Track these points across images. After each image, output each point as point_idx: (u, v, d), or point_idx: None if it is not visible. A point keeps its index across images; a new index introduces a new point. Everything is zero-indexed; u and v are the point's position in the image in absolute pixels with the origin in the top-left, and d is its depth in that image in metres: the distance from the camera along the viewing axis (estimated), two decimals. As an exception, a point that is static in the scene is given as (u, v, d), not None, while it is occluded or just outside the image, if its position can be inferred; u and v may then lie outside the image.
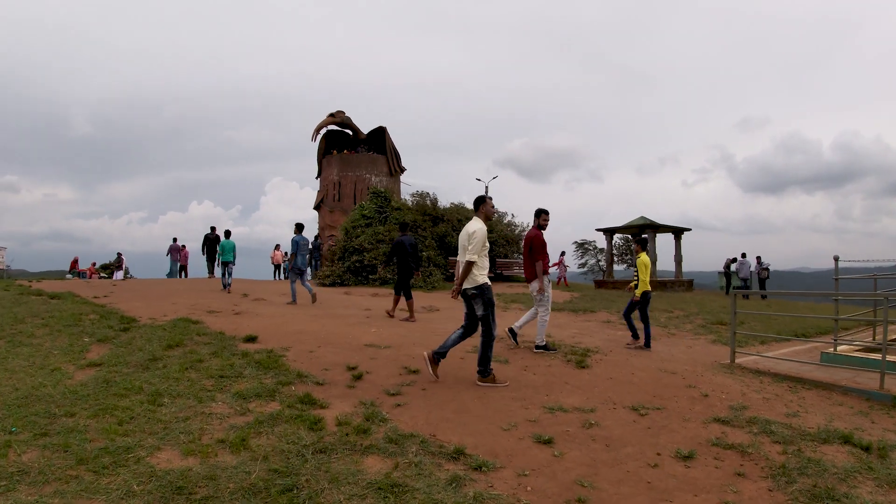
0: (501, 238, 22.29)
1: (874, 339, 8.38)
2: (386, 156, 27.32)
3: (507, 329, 7.45)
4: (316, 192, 28.09)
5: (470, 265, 5.35)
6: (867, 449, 4.01)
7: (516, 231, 23.84)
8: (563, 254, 23.63)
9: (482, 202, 5.77)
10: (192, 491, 2.91)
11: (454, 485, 3.15)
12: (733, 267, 21.15)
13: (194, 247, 19.46)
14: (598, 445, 3.94)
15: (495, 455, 3.66)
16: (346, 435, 3.82)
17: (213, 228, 17.90)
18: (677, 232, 22.97)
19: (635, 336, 8.03)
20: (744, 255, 20.90)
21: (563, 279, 22.97)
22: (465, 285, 5.42)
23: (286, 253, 17.53)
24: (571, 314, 11.89)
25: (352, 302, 12.66)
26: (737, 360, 6.95)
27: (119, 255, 23.74)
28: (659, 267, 22.54)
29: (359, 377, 5.40)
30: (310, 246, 13.89)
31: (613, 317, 11.31)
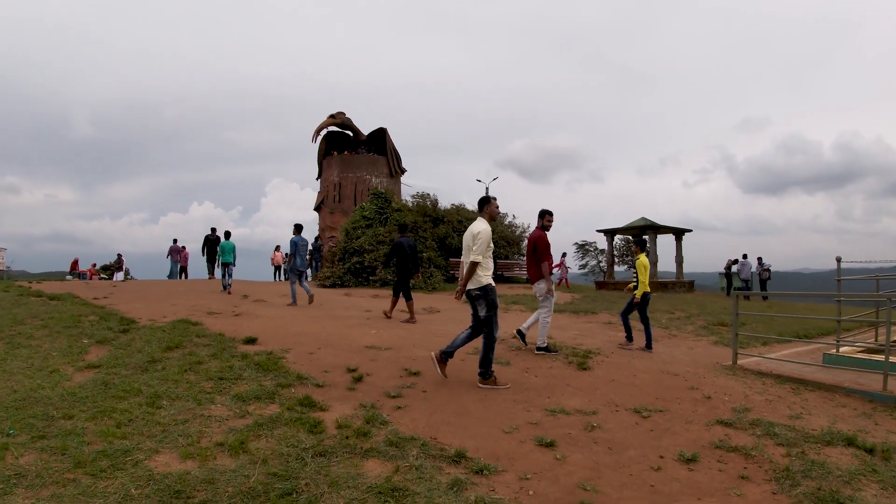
0: (502, 239, 22.25)
1: (876, 340, 8.36)
2: (386, 157, 27.31)
3: (515, 331, 7.45)
4: (316, 193, 28.08)
5: (474, 266, 5.33)
6: (871, 451, 3.99)
7: (517, 232, 23.80)
8: (564, 255, 23.61)
9: (487, 203, 5.75)
10: (190, 495, 2.89)
11: (455, 489, 3.11)
12: (734, 268, 21.10)
13: (194, 248, 19.45)
14: (601, 448, 3.91)
15: (497, 458, 3.63)
16: (346, 438, 3.79)
17: (213, 230, 17.87)
18: (678, 233, 22.92)
19: (629, 338, 8.04)
20: (745, 256, 20.86)
21: (564, 280, 22.92)
22: (469, 286, 5.40)
23: (286, 254, 17.54)
24: (573, 315, 11.85)
25: (352, 303, 12.62)
26: (739, 362, 6.92)
27: (119, 256, 23.71)
28: (660, 268, 22.49)
29: (359, 379, 5.37)
30: (309, 247, 13.84)
31: (615, 318, 11.26)
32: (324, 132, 27.65)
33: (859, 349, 7.50)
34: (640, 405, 4.92)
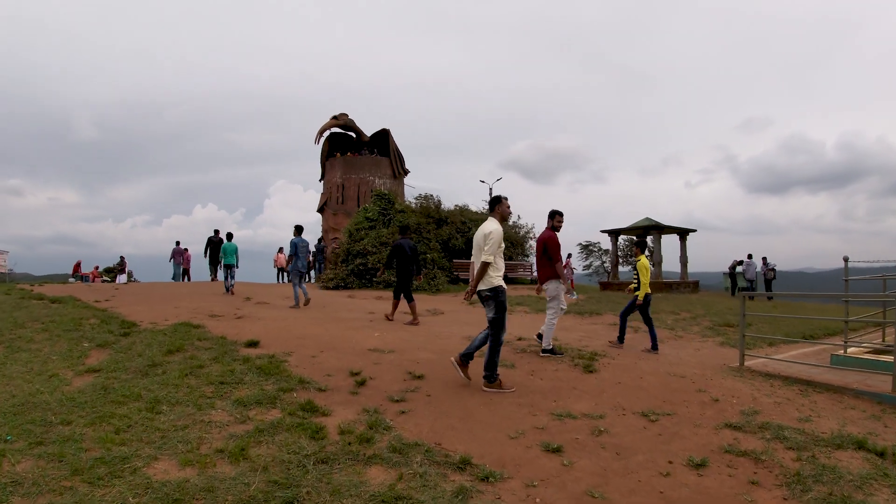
0: (506, 240, 22.17)
1: (883, 340, 8.26)
2: (389, 158, 27.28)
3: (535, 335, 7.44)
4: (319, 194, 28.06)
5: (486, 266, 5.28)
6: (882, 455, 3.92)
7: (521, 233, 23.73)
8: (569, 256, 23.54)
9: (498, 202, 5.69)
10: (188, 504, 2.82)
11: (460, 497, 3.04)
12: (739, 268, 20.99)
13: (198, 250, 19.45)
14: (609, 454, 3.83)
15: (503, 465, 3.56)
16: (349, 444, 3.73)
17: (216, 231, 17.85)
18: (682, 233, 22.81)
19: (620, 339, 8.03)
20: (750, 256, 20.75)
21: (570, 281, 22.82)
22: (480, 287, 5.34)
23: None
24: (577, 317, 11.78)
25: (355, 305, 12.58)
26: (746, 363, 6.84)
27: (122, 258, 23.70)
28: (664, 268, 22.38)
29: (362, 383, 5.31)
30: (311, 248, 13.78)
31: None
32: (327, 133, 27.64)
33: (867, 350, 7.42)
34: (647, 408, 4.85)
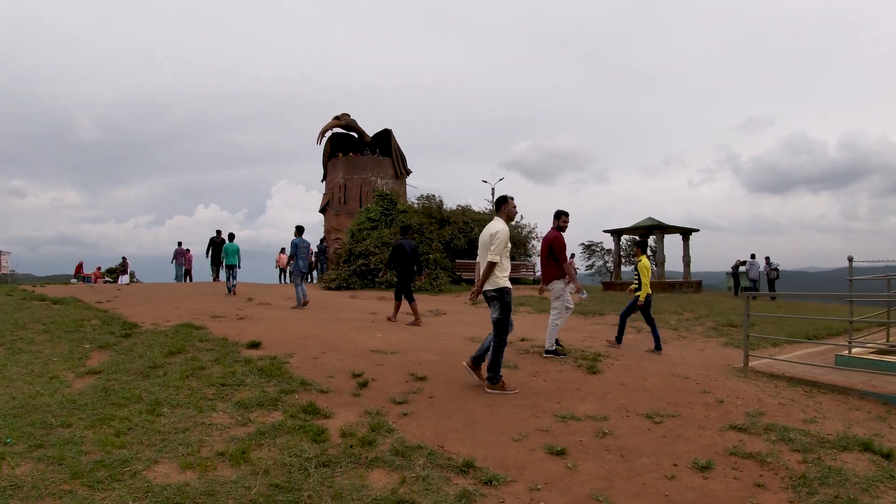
0: (509, 240, 22.10)
1: (888, 340, 8.21)
2: (391, 158, 27.23)
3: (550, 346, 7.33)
4: (321, 195, 28.03)
5: (492, 266, 5.25)
6: (888, 456, 3.88)
7: (523, 233, 23.68)
8: (572, 256, 23.49)
9: (504, 202, 5.66)
10: (189, 508, 2.80)
11: (464, 501, 3.02)
12: (742, 268, 20.91)
13: (201, 250, 19.47)
14: (613, 456, 3.80)
15: (506, 468, 3.53)
16: (351, 447, 3.70)
17: (218, 232, 17.84)
18: (685, 233, 22.74)
19: (619, 339, 8.00)
20: (753, 256, 20.68)
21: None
22: (486, 287, 5.31)
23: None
24: (580, 317, 11.73)
25: (357, 306, 12.55)
26: (750, 364, 6.79)
27: (124, 258, 23.69)
28: (667, 268, 22.32)
29: (364, 384, 5.28)
30: (312, 248, 13.76)
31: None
32: (328, 134, 27.59)
33: (871, 350, 7.37)
34: (651, 410, 4.81)
